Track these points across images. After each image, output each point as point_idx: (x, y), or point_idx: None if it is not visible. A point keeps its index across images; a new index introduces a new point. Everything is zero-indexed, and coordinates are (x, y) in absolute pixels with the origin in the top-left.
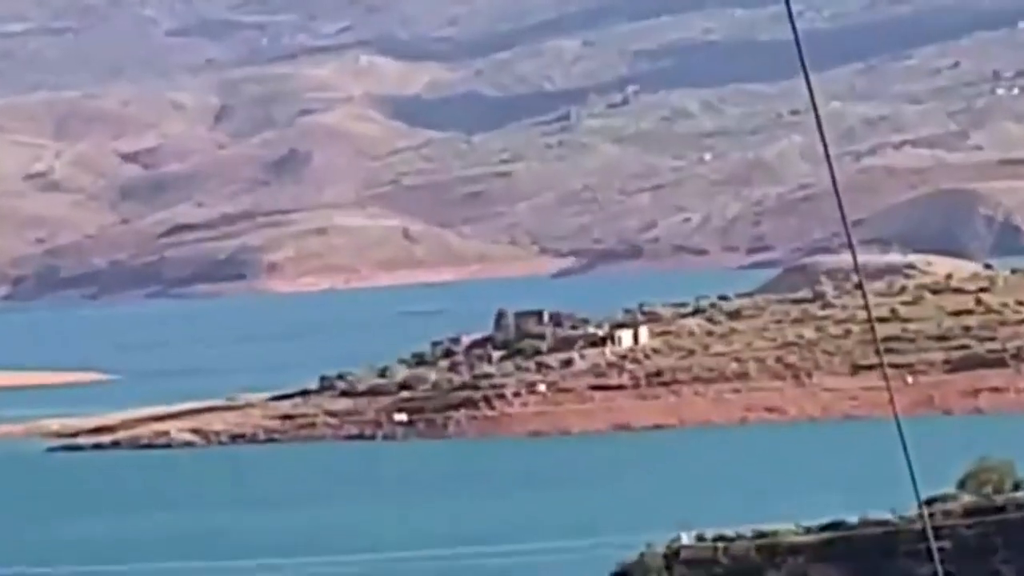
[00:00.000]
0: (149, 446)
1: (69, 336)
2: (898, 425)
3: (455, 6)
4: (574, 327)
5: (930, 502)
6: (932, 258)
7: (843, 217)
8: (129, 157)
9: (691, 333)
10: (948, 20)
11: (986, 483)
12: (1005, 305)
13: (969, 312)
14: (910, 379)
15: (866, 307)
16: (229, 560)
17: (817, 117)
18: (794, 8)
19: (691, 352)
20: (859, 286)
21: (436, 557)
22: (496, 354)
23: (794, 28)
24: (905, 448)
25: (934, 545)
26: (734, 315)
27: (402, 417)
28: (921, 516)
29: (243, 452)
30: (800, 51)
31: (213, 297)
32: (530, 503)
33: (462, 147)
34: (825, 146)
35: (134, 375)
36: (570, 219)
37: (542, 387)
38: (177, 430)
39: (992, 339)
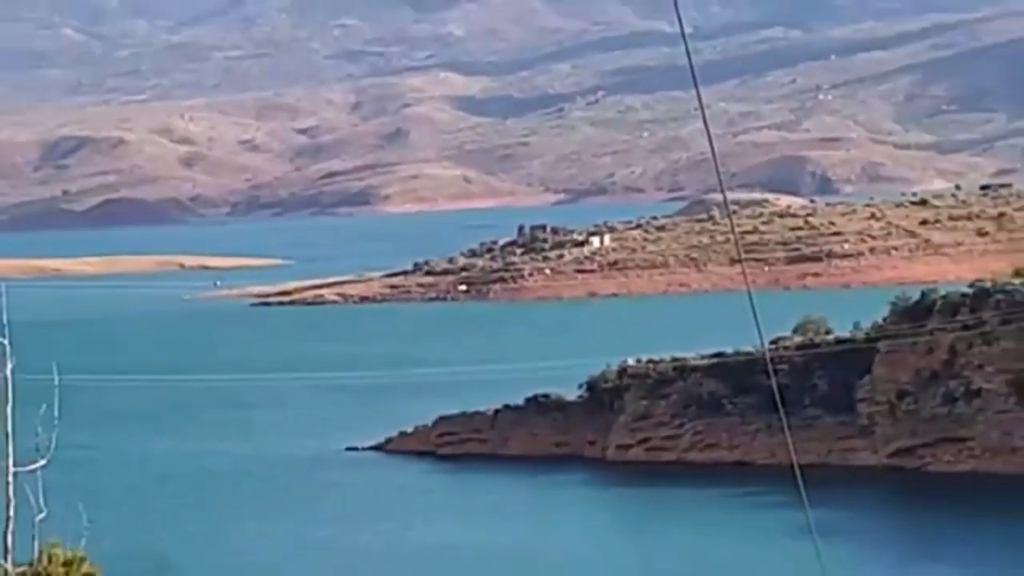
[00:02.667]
0: (311, 303)
1: (264, 238)
2: (749, 296)
3: (497, 42)
4: (565, 235)
5: (775, 341)
6: (779, 196)
7: (717, 172)
8: (300, 131)
9: (635, 239)
10: (789, 54)
11: (809, 330)
12: (822, 224)
13: (800, 228)
14: (766, 268)
15: (731, 227)
16: (362, 372)
17: (703, 112)
18: (695, 45)
19: (634, 250)
20: (729, 214)
21: (479, 372)
22: (519, 251)
23: (688, 55)
24: (754, 309)
25: (771, 368)
26: (660, 229)
27: (463, 287)
28: (764, 350)
29: (367, 308)
30: (693, 73)
31: (350, 216)
32: (538, 338)
33: (499, 127)
34: (707, 129)
35: (302, 261)
36: (564, 171)
37: (546, 271)
38: (328, 294)
39: (814, 245)
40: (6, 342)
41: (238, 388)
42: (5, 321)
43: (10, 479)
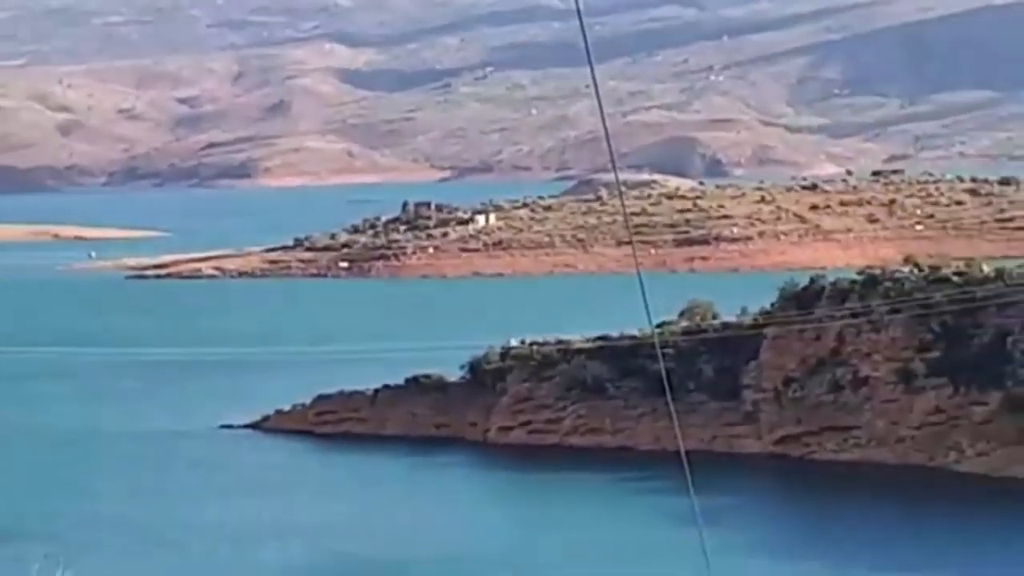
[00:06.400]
0: (189, 277)
1: (142, 209)
2: (639, 278)
3: (383, 14)
4: (449, 212)
5: (660, 325)
6: (668, 177)
7: (610, 151)
8: (181, 101)
9: (520, 219)
10: (681, 33)
11: (696, 315)
12: (710, 207)
13: (689, 211)
14: (653, 251)
15: (623, 208)
16: (233, 348)
17: (596, 91)
18: (586, 22)
19: (520, 230)
20: (621, 194)
21: (358, 350)
22: (402, 227)
23: (584, 35)
24: (643, 292)
25: (660, 352)
26: (547, 208)
27: (344, 264)
28: (653, 334)
29: (246, 283)
30: (588, 50)
31: (230, 188)
32: (420, 317)
33: (384, 102)
34: (601, 109)
35: (180, 233)
36: (449, 147)
37: (430, 249)
38: (206, 268)
39: (702, 228)
40: None
41: (107, 362)
42: None
43: None
